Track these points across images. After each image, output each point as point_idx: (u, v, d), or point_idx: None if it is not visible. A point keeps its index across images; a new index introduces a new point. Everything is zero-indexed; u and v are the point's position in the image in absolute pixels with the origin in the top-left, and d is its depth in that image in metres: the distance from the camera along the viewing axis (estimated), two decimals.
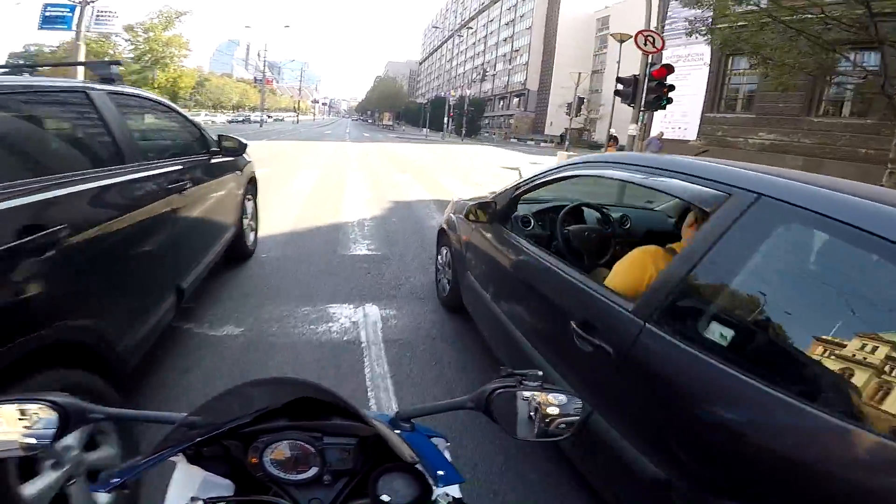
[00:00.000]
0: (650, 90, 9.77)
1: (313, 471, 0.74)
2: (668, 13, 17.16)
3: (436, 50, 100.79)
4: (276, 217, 6.56)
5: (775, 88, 10.61)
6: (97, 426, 1.48)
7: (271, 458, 0.74)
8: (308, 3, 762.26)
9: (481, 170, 16.31)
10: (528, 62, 60.71)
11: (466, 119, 41.20)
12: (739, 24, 10.01)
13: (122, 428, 1.59)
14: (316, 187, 9.92)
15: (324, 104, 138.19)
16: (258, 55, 58.12)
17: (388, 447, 0.72)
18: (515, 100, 64.68)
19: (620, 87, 10.31)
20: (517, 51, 64.06)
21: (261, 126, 50.20)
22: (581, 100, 31.49)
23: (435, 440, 0.89)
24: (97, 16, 16.01)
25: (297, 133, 39.70)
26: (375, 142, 32.73)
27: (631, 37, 10.54)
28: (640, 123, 11.18)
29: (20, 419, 0.69)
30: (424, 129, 52.03)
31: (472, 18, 78.32)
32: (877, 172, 9.00)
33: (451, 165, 17.52)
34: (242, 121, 63.00)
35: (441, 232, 3.92)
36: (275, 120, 76.07)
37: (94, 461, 1.47)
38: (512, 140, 50.15)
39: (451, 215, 3.68)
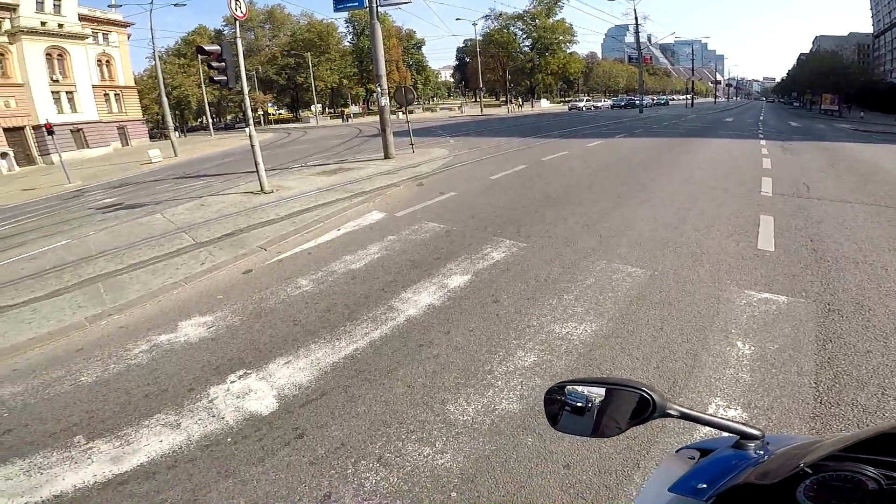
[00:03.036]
0: None
1: None
2: None
3: None
4: None
5: None
6: None
7: (810, 485, 0.67)
8: None
9: None
10: None
11: None
12: None
13: None
14: None
15: (728, 85, 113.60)
16: (628, 29, 49.22)
17: None
18: None
19: None
20: None
21: (640, 112, 41.81)
22: None
23: None
24: None
25: (675, 123, 29.09)
26: (830, 141, 17.21)
27: None
28: None
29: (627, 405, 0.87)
30: None
31: None
32: None
33: None
34: (625, 105, 56.27)
35: None
36: (655, 103, 65.39)
37: None
38: None
39: None
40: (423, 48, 78.11)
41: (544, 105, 66.96)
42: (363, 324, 3.95)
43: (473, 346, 3.44)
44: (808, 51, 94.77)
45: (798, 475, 0.67)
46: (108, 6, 35.82)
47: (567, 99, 76.07)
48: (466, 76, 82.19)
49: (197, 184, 13.80)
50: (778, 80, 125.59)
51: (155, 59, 28.38)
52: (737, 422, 0.86)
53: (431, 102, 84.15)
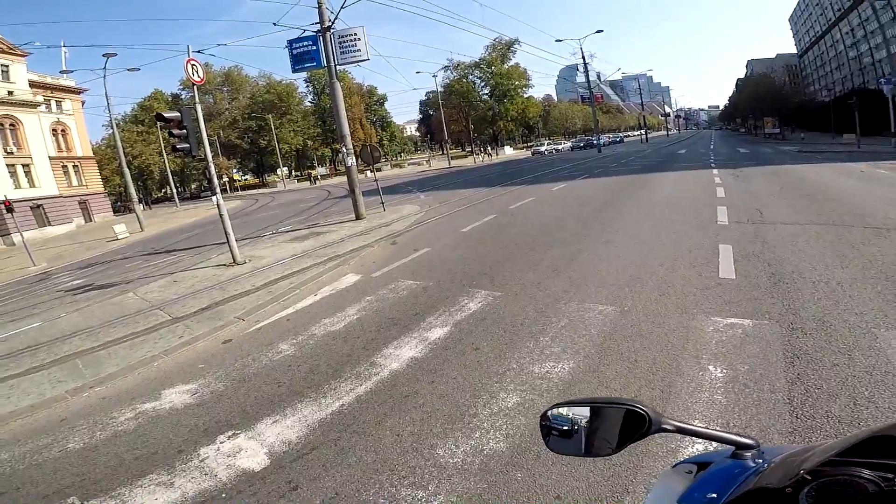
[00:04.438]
0: None
1: None
2: None
3: (822, 35, 74.49)
4: None
5: None
6: None
7: (810, 492, 0.67)
8: (646, 13, 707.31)
9: None
10: None
11: None
12: None
13: None
14: None
15: (677, 116, 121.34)
16: (578, 69, 52.23)
17: None
18: None
19: None
20: None
21: (599, 151, 43.87)
22: None
23: None
24: (340, 42, 13.07)
25: (633, 160, 30.62)
26: (777, 165, 18.50)
27: None
28: None
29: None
30: (848, 136, 32.82)
31: None
32: None
33: None
34: (584, 146, 58.98)
35: None
36: (611, 141, 68.71)
37: None
38: None
39: None
40: (387, 104, 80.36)
41: (508, 152, 68.90)
42: (348, 381, 3.99)
43: (457, 392, 3.51)
44: (743, 75, 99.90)
45: (799, 481, 0.69)
46: (60, 72, 34.57)
47: (529, 144, 78.65)
48: (431, 129, 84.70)
49: (167, 259, 13.63)
50: (722, 107, 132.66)
51: (113, 128, 28.09)
52: (732, 433, 0.88)
53: (399, 158, 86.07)
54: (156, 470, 3.14)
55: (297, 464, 2.95)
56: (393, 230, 11.66)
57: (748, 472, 0.83)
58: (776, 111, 53.64)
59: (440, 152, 73.84)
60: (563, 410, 0.94)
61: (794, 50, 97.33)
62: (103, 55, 24.89)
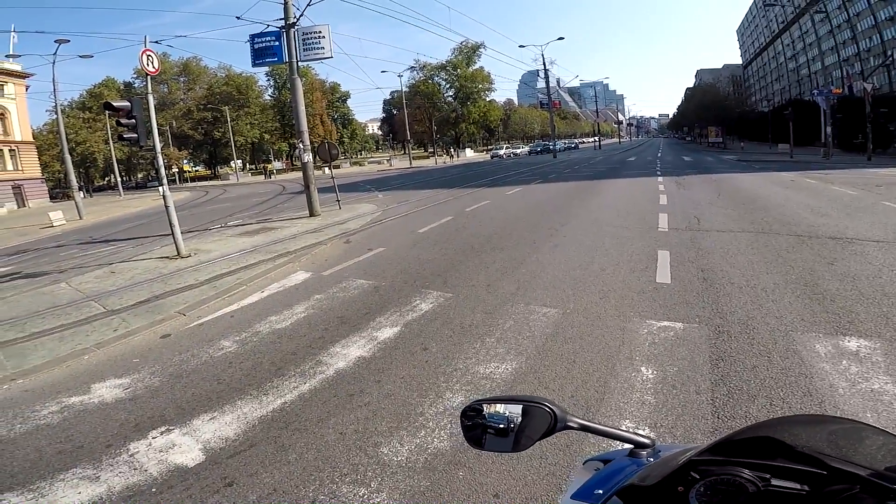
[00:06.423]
0: None
1: None
2: None
3: (766, 47, 79.62)
4: None
5: None
6: None
7: (700, 490, 0.72)
8: (605, 22, 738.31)
9: None
10: None
11: (871, 126, 24.66)
12: None
13: None
14: None
15: (629, 124, 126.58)
16: (539, 75, 53.32)
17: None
18: None
19: None
20: None
21: (554, 157, 45.07)
22: None
23: None
24: (304, 39, 13.13)
25: (585, 166, 31.62)
26: (717, 173, 19.88)
27: None
28: None
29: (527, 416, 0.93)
30: (783, 146, 35.08)
31: (814, 1, 55.39)
32: None
33: None
34: (541, 151, 60.32)
35: None
36: (566, 147, 70.56)
37: None
38: None
39: None
40: (349, 101, 79.08)
41: (469, 154, 69.33)
42: (291, 379, 3.94)
43: (404, 391, 3.54)
44: (692, 84, 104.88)
45: (688, 480, 0.72)
46: (6, 56, 33.13)
47: (489, 147, 79.50)
48: (394, 128, 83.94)
49: (106, 249, 12.91)
50: (671, 115, 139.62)
51: (58, 115, 26.59)
52: (630, 432, 0.94)
53: (359, 156, 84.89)
54: (80, 464, 3.02)
55: (234, 460, 2.90)
56: (347, 228, 11.53)
57: (636, 469, 0.87)
58: (720, 121, 56.56)
59: (402, 152, 73.34)
60: (500, 408, 0.95)
61: (740, 61, 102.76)
62: (55, 41, 23.76)
